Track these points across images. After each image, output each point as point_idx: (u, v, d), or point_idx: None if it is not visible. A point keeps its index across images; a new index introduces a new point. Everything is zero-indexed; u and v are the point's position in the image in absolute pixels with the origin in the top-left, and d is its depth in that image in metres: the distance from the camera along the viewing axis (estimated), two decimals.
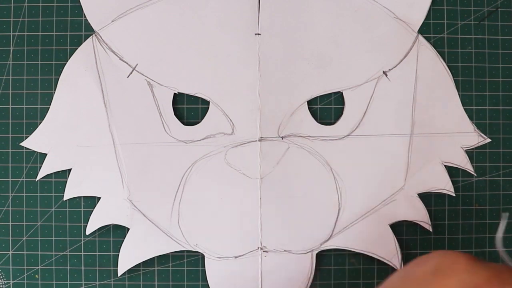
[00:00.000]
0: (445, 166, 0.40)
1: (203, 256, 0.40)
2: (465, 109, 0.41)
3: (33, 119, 0.40)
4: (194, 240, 0.39)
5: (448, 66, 0.40)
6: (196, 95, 0.40)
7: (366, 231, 0.40)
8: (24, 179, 0.40)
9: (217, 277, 0.40)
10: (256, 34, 0.39)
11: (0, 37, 0.40)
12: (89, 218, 0.39)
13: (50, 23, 0.40)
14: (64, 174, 0.40)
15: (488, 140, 0.41)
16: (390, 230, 0.40)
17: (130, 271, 0.39)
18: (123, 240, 0.39)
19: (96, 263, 0.40)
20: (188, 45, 0.39)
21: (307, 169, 0.40)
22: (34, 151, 0.40)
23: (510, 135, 0.41)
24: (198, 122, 0.40)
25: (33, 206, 0.40)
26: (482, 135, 0.41)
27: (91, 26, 0.40)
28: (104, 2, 0.40)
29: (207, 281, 0.40)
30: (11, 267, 0.40)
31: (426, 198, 0.40)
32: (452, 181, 0.40)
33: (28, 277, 0.40)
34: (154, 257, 0.39)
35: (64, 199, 0.40)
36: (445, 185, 0.40)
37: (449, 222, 0.41)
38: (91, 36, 0.40)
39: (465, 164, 0.40)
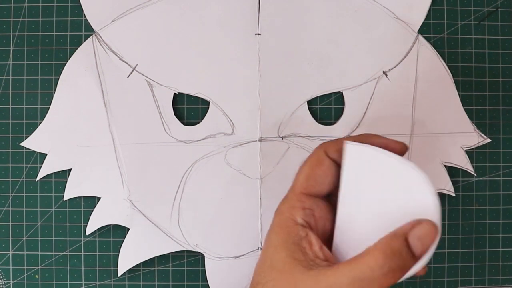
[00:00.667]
0: (445, 166, 0.40)
1: (203, 256, 0.40)
2: (465, 109, 0.41)
3: (33, 119, 0.40)
4: (194, 240, 0.39)
5: (448, 66, 0.41)
6: (196, 95, 0.40)
7: None
8: (24, 179, 0.40)
9: (217, 277, 0.40)
10: (256, 34, 0.40)
11: (0, 37, 0.40)
12: (89, 218, 0.40)
13: (50, 23, 0.40)
14: (64, 174, 0.40)
15: (488, 140, 0.41)
16: None
17: (130, 271, 0.40)
18: (123, 240, 0.39)
19: (96, 263, 0.40)
20: (188, 45, 0.39)
21: None
22: (34, 151, 0.40)
23: (510, 135, 0.41)
24: (198, 122, 0.40)
25: (33, 206, 0.40)
26: (482, 135, 0.41)
27: (91, 26, 0.40)
28: (104, 2, 0.40)
29: (207, 281, 0.40)
30: (11, 267, 0.40)
31: None
32: (452, 181, 0.41)
33: (28, 277, 0.40)
34: (154, 257, 0.39)
35: (64, 199, 0.40)
36: (445, 185, 0.40)
37: (449, 222, 0.41)
38: (91, 36, 0.40)
39: (465, 164, 0.41)
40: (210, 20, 0.40)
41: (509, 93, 0.41)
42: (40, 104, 0.40)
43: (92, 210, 0.40)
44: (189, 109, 0.40)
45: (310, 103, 0.40)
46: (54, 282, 0.40)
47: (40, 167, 0.40)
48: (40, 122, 0.40)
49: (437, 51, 0.41)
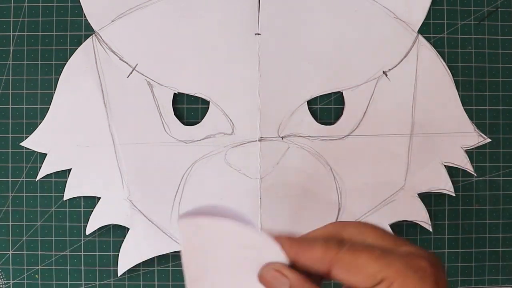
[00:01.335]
0: (445, 166, 0.41)
1: None
2: (465, 109, 0.41)
3: (33, 119, 0.40)
4: None
5: (448, 66, 0.41)
6: (196, 95, 0.40)
7: None
8: (24, 179, 0.41)
9: None
10: (256, 34, 0.40)
11: (0, 37, 0.41)
12: (89, 218, 0.40)
13: (50, 23, 0.41)
14: (64, 174, 0.40)
15: (488, 140, 0.41)
16: (390, 230, 0.40)
17: (130, 271, 0.40)
18: (123, 240, 0.40)
19: (96, 263, 0.40)
20: (188, 45, 0.40)
21: (307, 169, 0.40)
22: (34, 151, 0.40)
23: (510, 135, 0.42)
24: (198, 122, 0.40)
25: (33, 206, 0.41)
26: (482, 135, 0.41)
27: (91, 26, 0.40)
28: (104, 2, 0.40)
29: None
30: (11, 267, 0.40)
31: (426, 198, 0.41)
32: (452, 181, 0.41)
33: (28, 277, 0.40)
34: (154, 257, 0.40)
35: (64, 199, 0.40)
36: (445, 185, 0.41)
37: (449, 222, 0.41)
38: (91, 36, 0.40)
39: (465, 164, 0.41)
40: (210, 20, 0.40)
41: (509, 93, 0.42)
42: (40, 104, 0.41)
43: (92, 210, 0.40)
44: (189, 109, 0.41)
45: (310, 103, 0.40)
46: (54, 282, 0.40)
47: (40, 167, 0.40)
48: (40, 122, 0.40)
49: (437, 51, 0.41)
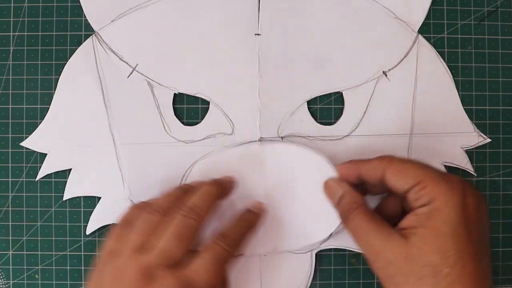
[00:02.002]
0: (445, 166, 0.41)
1: None
2: (465, 109, 0.41)
3: (33, 119, 0.41)
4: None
5: (448, 66, 0.41)
6: (196, 95, 0.40)
7: None
8: (24, 179, 0.41)
9: None
10: (256, 34, 0.40)
11: (0, 37, 0.41)
12: (89, 218, 0.40)
13: (50, 23, 0.41)
14: (64, 174, 0.41)
15: (488, 140, 0.41)
16: None
17: None
18: None
19: None
20: (188, 45, 0.40)
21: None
22: (34, 151, 0.41)
23: (510, 135, 0.42)
24: (198, 122, 0.41)
25: (33, 206, 0.41)
26: (482, 135, 0.41)
27: (91, 26, 0.41)
28: (104, 2, 0.40)
29: None
30: (11, 267, 0.41)
31: None
32: None
33: (28, 277, 0.41)
34: None
35: (64, 199, 0.41)
36: None
37: None
38: (91, 36, 0.41)
39: (465, 164, 0.41)
40: (210, 20, 0.40)
41: (509, 93, 0.42)
42: (40, 104, 0.41)
43: (92, 210, 0.40)
44: (189, 109, 0.41)
45: (310, 103, 0.41)
46: (54, 282, 0.41)
47: (40, 167, 0.41)
48: (40, 122, 0.41)
49: (437, 51, 0.41)
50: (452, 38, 0.42)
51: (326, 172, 0.38)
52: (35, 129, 0.41)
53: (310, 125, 0.41)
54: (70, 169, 0.40)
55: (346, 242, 0.41)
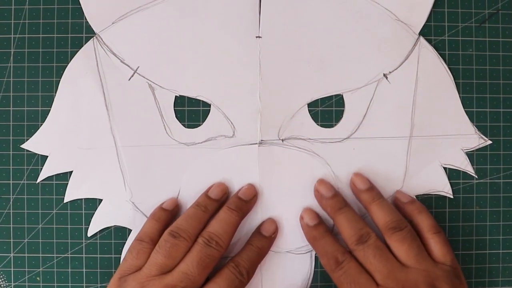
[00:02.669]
0: (445, 168, 0.42)
1: None
2: (466, 111, 0.42)
3: (34, 121, 0.41)
4: None
5: (449, 68, 0.42)
6: (197, 97, 0.41)
7: None
8: (25, 181, 0.42)
9: None
10: (257, 37, 0.41)
11: (1, 39, 0.42)
12: (90, 220, 0.41)
13: (51, 25, 0.42)
14: (65, 176, 0.41)
15: (489, 142, 0.42)
16: None
17: None
18: (125, 242, 0.41)
19: (98, 265, 0.41)
20: (189, 48, 0.41)
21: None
22: (35, 153, 0.41)
23: (511, 137, 0.43)
24: (199, 125, 0.41)
25: (34, 208, 0.42)
26: (483, 137, 0.42)
27: (92, 28, 0.41)
28: (104, 4, 0.41)
29: None
30: (12, 269, 0.41)
31: (427, 200, 0.42)
32: (452, 183, 0.42)
33: (29, 279, 0.41)
34: None
35: (65, 201, 0.41)
36: (444, 187, 0.42)
37: (450, 224, 0.42)
38: (92, 38, 0.41)
39: (466, 166, 0.42)
40: (211, 23, 0.41)
41: (509, 95, 0.43)
42: (41, 106, 0.41)
43: (93, 212, 0.41)
44: (190, 112, 0.42)
45: (310, 105, 0.41)
46: (55, 284, 0.41)
47: (41, 169, 0.41)
48: (41, 124, 0.41)
49: (438, 53, 0.42)
50: (453, 40, 0.42)
51: (324, 174, 0.39)
52: (36, 131, 0.41)
53: (310, 128, 0.41)
54: (71, 171, 0.41)
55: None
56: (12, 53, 0.42)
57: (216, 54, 0.41)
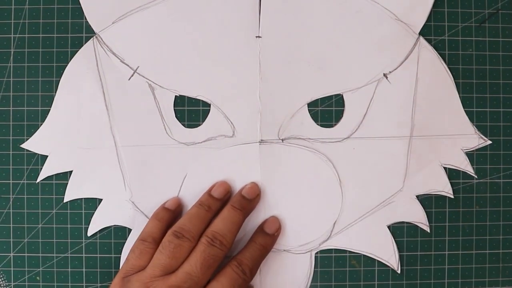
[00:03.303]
0: (445, 168, 0.42)
1: None
2: (465, 111, 0.42)
3: (34, 121, 0.42)
4: None
5: (449, 68, 0.42)
6: (197, 97, 0.41)
7: (364, 232, 0.42)
8: (25, 181, 0.42)
9: None
10: (257, 36, 0.41)
11: (1, 39, 0.42)
12: (90, 220, 0.41)
13: (51, 25, 0.42)
14: (65, 176, 0.42)
15: (489, 142, 0.42)
16: (388, 231, 0.42)
17: None
18: (125, 242, 0.41)
19: (98, 265, 0.42)
20: (189, 47, 0.41)
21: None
22: (35, 153, 0.42)
23: (511, 137, 0.43)
24: (199, 125, 0.42)
25: (34, 208, 0.42)
26: (483, 137, 0.42)
27: (92, 28, 0.41)
28: (104, 3, 0.41)
29: None
30: (12, 269, 0.42)
31: (427, 200, 0.42)
32: (452, 183, 0.42)
33: (29, 279, 0.42)
34: None
35: (65, 201, 0.42)
36: (444, 187, 0.42)
37: (450, 224, 0.43)
38: (92, 38, 0.41)
39: (466, 166, 0.42)
40: (211, 23, 0.41)
41: (509, 95, 0.43)
42: (41, 106, 0.42)
43: (93, 212, 0.41)
44: (190, 112, 0.42)
45: (310, 105, 0.42)
46: (55, 284, 0.42)
47: (41, 169, 0.41)
48: (41, 124, 0.41)
49: (438, 53, 0.42)
50: (453, 40, 0.43)
51: (325, 173, 0.39)
52: (36, 131, 0.41)
53: (310, 127, 0.42)
54: (71, 171, 0.41)
55: (346, 243, 0.42)
56: (12, 53, 0.42)
57: (216, 54, 0.41)
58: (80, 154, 0.41)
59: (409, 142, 0.42)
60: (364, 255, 0.42)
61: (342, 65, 0.41)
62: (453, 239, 0.42)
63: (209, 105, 0.42)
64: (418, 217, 0.42)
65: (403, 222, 0.42)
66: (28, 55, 0.42)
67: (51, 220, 0.42)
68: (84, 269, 0.42)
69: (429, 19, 0.42)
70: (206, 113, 0.42)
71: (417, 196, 0.42)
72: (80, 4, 0.41)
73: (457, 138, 0.42)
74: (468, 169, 0.42)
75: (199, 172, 0.41)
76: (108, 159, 0.41)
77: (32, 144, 0.42)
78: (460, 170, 0.42)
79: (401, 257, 0.42)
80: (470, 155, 0.42)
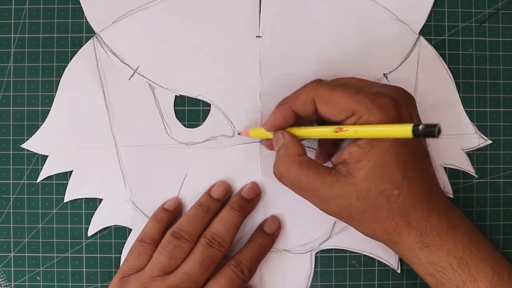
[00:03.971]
0: (445, 168, 0.42)
1: None
2: (466, 111, 0.43)
3: (34, 121, 0.42)
4: None
5: (449, 68, 0.43)
6: (197, 97, 0.42)
7: None
8: (25, 181, 0.42)
9: None
10: (257, 36, 0.41)
11: (1, 39, 0.42)
12: (90, 219, 0.42)
13: (51, 25, 0.42)
14: (65, 176, 0.42)
15: (489, 141, 0.43)
16: None
17: None
18: (125, 242, 0.42)
19: (98, 264, 0.42)
20: (189, 47, 0.41)
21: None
22: (35, 153, 0.42)
23: (511, 137, 0.43)
24: (199, 125, 0.42)
25: (34, 208, 0.42)
26: (483, 136, 0.43)
27: (92, 28, 0.42)
28: (104, 3, 0.42)
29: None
30: (12, 269, 0.42)
31: None
32: (453, 182, 0.43)
33: (29, 279, 0.42)
34: None
35: (65, 201, 0.42)
36: (444, 187, 0.42)
37: None
38: (92, 38, 0.42)
39: (466, 165, 0.42)
40: (211, 23, 0.41)
41: (510, 95, 0.43)
42: (41, 106, 0.42)
43: (93, 212, 0.42)
44: (190, 111, 0.42)
45: None
46: (55, 283, 0.42)
47: (41, 169, 0.42)
48: (41, 124, 0.42)
49: (438, 53, 0.42)
50: (453, 40, 0.43)
51: None
52: (36, 131, 0.42)
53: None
54: (71, 171, 0.42)
55: (346, 242, 0.42)
56: (12, 53, 0.42)
57: (216, 53, 0.41)
58: (80, 154, 0.42)
59: None
60: (364, 255, 0.42)
61: (342, 65, 0.42)
62: None
63: (209, 105, 0.42)
64: None
65: None
66: (28, 55, 0.42)
67: (51, 220, 0.42)
68: (84, 269, 0.42)
69: (429, 19, 0.43)
70: (206, 113, 0.42)
71: None
72: (80, 4, 0.42)
73: (457, 138, 0.42)
74: (469, 168, 0.43)
75: (199, 172, 0.41)
76: (108, 159, 0.41)
77: (32, 144, 0.42)
78: (460, 170, 0.43)
79: None
80: (470, 155, 0.43)
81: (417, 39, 0.42)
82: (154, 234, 0.39)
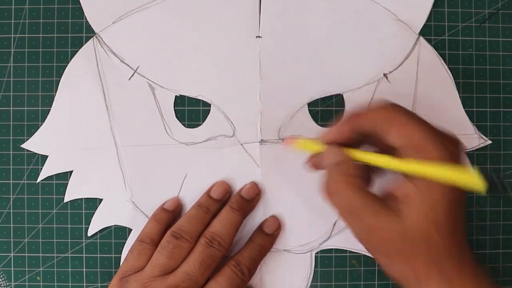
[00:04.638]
0: None
1: None
2: (466, 111, 0.43)
3: (34, 121, 0.42)
4: None
5: (449, 68, 0.43)
6: (197, 97, 0.42)
7: None
8: (25, 181, 0.42)
9: None
10: (257, 36, 0.42)
11: (1, 39, 0.42)
12: (90, 219, 0.42)
13: (51, 25, 0.42)
14: (65, 176, 0.42)
15: (489, 142, 0.43)
16: None
17: None
18: (125, 242, 0.42)
19: (98, 264, 0.42)
20: (189, 47, 0.42)
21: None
22: (35, 153, 0.42)
23: (511, 137, 0.43)
24: (199, 125, 0.42)
25: (34, 208, 0.42)
26: (483, 137, 0.43)
27: (92, 28, 0.42)
28: (104, 3, 0.42)
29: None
30: (12, 269, 0.42)
31: None
32: None
33: (29, 279, 0.42)
34: None
35: (65, 201, 0.42)
36: None
37: None
38: (92, 38, 0.42)
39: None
40: (211, 23, 0.42)
41: (509, 95, 0.43)
42: (41, 106, 0.42)
43: (93, 212, 0.42)
44: (190, 112, 0.42)
45: (311, 105, 0.42)
46: (55, 284, 0.42)
47: (41, 169, 0.42)
48: (41, 124, 0.42)
49: (438, 53, 0.43)
50: (453, 40, 0.43)
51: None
52: (36, 131, 0.42)
53: (310, 128, 0.42)
54: (71, 171, 0.42)
55: (346, 242, 0.42)
56: (12, 53, 0.42)
57: (216, 54, 0.42)
58: (80, 154, 0.42)
59: None
60: (364, 255, 0.42)
61: (342, 65, 0.42)
62: None
63: (209, 105, 0.42)
64: None
65: None
66: (28, 55, 0.42)
67: (51, 220, 0.42)
68: (84, 269, 0.42)
69: (429, 19, 0.43)
70: (206, 113, 0.42)
71: None
72: (80, 4, 0.42)
73: None
74: None
75: (199, 172, 0.42)
76: (108, 159, 0.42)
77: (32, 144, 0.42)
78: None
79: None
80: (470, 155, 0.43)
81: (417, 39, 0.43)
82: (153, 234, 0.39)
